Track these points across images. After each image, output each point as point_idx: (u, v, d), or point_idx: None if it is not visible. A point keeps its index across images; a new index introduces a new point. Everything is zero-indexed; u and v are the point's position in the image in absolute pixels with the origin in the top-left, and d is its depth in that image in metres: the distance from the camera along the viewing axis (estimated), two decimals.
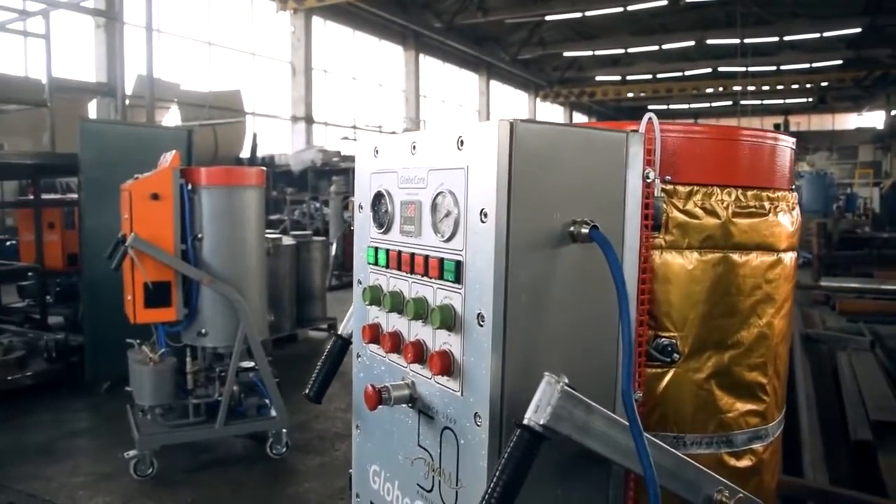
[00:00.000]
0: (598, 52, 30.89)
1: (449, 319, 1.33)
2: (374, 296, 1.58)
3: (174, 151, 4.61)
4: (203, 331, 4.77)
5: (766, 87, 29.70)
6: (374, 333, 1.60)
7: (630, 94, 34.16)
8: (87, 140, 6.28)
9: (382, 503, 1.64)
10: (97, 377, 6.35)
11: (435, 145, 1.41)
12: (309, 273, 8.84)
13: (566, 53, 31.79)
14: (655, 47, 28.87)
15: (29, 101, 8.11)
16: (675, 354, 1.54)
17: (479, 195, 1.27)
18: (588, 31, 28.41)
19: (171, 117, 13.64)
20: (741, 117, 30.51)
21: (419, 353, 1.43)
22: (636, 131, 1.43)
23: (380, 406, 1.46)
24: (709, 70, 30.59)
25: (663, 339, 1.55)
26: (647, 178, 1.42)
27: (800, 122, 35.96)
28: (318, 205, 15.40)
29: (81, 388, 6.40)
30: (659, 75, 32.48)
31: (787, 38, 26.10)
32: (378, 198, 1.60)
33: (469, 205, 1.30)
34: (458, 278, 1.32)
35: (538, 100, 37.22)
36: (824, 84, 29.98)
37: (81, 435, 5.53)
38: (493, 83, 33.35)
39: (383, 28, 24.09)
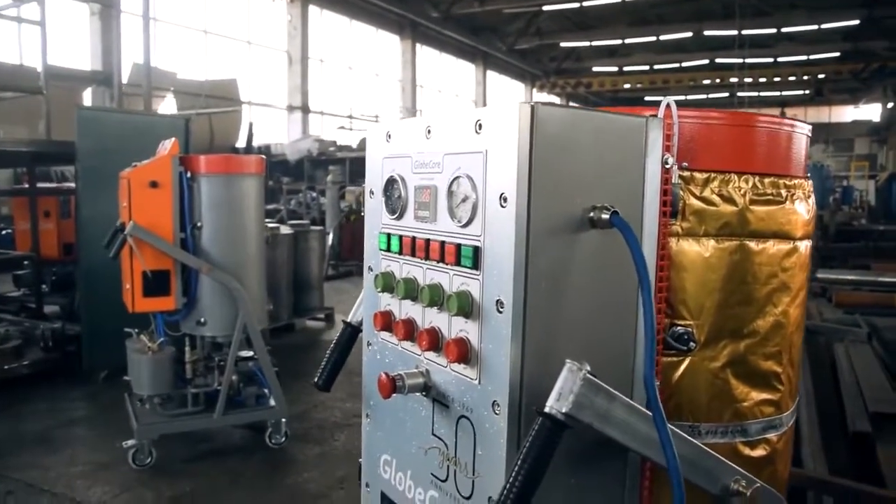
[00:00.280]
0: (595, 43, 30.79)
1: (466, 306, 1.31)
2: (387, 283, 1.56)
3: (173, 139, 4.57)
4: (202, 320, 4.74)
5: (763, 79, 29.67)
6: (386, 321, 1.58)
7: (627, 85, 34.10)
8: (85, 128, 6.23)
9: (394, 492, 1.62)
10: (94, 366, 6.32)
11: (451, 129, 1.39)
12: (306, 262, 8.83)
13: (563, 44, 31.70)
14: (653, 38, 28.79)
15: (24, 88, 8.05)
16: (692, 343, 1.52)
17: (499, 180, 1.24)
18: (585, 21, 28.32)
19: (166, 106, 13.55)
20: (738, 109, 30.47)
21: (434, 341, 1.40)
22: (655, 116, 1.40)
23: (393, 395, 1.43)
24: (706, 61, 30.55)
25: (679, 328, 1.53)
26: (666, 164, 1.40)
27: (796, 115, 35.88)
28: (314, 194, 15.35)
29: (78, 378, 6.37)
30: (656, 66, 32.40)
31: (784, 29, 26.05)
32: (390, 183, 1.57)
33: (488, 189, 1.27)
34: (475, 264, 1.30)
35: (535, 90, 37.14)
36: (821, 76, 29.97)
37: (79, 424, 5.51)
38: (490, 73, 33.26)
39: (380, 17, 23.97)
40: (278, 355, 5.14)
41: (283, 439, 4.99)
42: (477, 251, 1.30)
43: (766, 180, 1.58)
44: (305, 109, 20.40)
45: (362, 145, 18.50)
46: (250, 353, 5.06)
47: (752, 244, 1.57)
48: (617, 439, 1.25)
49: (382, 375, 1.44)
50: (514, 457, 1.24)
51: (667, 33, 27.88)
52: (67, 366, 6.54)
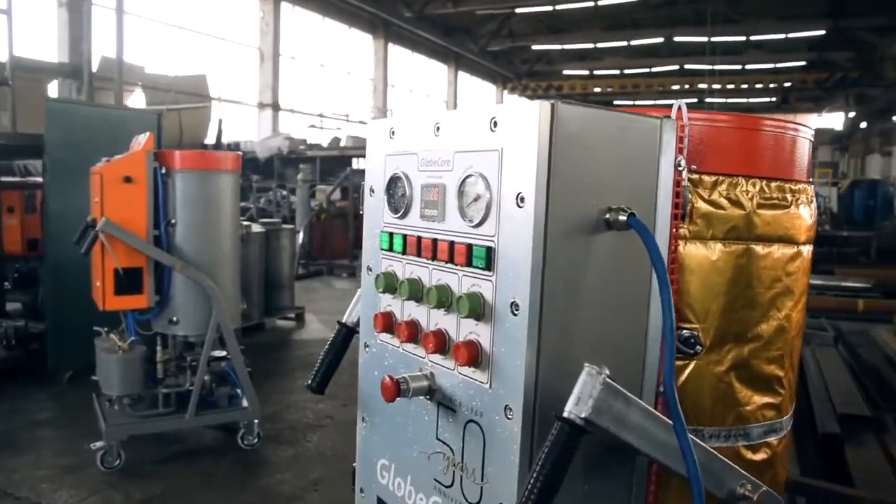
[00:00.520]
0: (566, 46, 30.98)
1: (478, 308, 1.28)
2: (389, 283, 1.52)
3: (148, 134, 4.47)
4: (174, 318, 4.64)
5: (731, 86, 30.08)
6: (387, 322, 1.54)
7: (597, 89, 34.31)
8: (53, 120, 6.07)
9: (391, 498, 1.58)
10: (60, 366, 6.15)
11: (462, 126, 1.35)
12: (277, 261, 8.73)
13: (535, 46, 31.82)
14: (624, 43, 29.04)
15: None
16: (698, 346, 1.51)
17: (516, 179, 1.21)
18: (557, 24, 28.47)
19: (134, 101, 13.28)
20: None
21: (441, 344, 1.37)
22: (669, 118, 1.38)
23: (398, 399, 1.39)
24: (676, 67, 30.88)
25: (685, 331, 1.52)
26: (679, 166, 1.38)
27: None
28: (284, 193, 15.19)
29: (43, 377, 6.20)
30: (626, 71, 32.68)
31: (753, 37, 26.47)
32: (394, 181, 1.53)
33: (503, 189, 1.24)
34: (488, 265, 1.26)
35: (506, 92, 37.25)
36: (787, 84, 30.49)
37: (44, 425, 5.35)
38: (462, 74, 33.26)
39: (353, 16, 23.80)
40: (249, 355, 5.06)
41: (256, 440, 4.90)
42: (490, 252, 1.26)
43: (773, 184, 1.58)
44: (276, 107, 20.17)
45: (333, 144, 18.40)
46: (223, 353, 4.98)
47: (759, 248, 1.56)
48: (633, 444, 1.22)
49: (386, 378, 1.40)
50: (527, 462, 1.21)
51: (638, 38, 28.14)
52: (31, 365, 6.36)
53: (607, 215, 1.26)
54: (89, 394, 4.94)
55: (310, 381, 1.79)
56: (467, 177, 1.32)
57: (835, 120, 34.27)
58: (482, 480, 1.30)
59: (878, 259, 14.21)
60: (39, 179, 6.84)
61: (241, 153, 5.22)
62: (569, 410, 1.13)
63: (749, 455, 1.61)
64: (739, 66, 29.62)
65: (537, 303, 1.19)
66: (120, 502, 4.12)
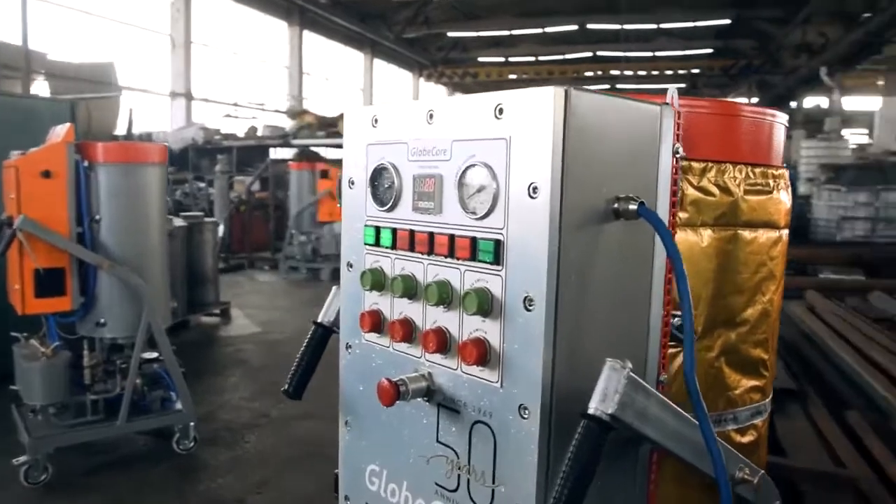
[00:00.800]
0: (482, 33, 31.11)
1: (486, 304, 1.22)
2: (376, 280, 1.44)
3: (68, 125, 4.19)
4: (102, 320, 4.40)
5: (642, 72, 30.95)
6: (375, 321, 1.46)
7: (513, 76, 34.66)
8: None
9: None
10: None
11: (461, 114, 1.29)
12: (200, 256, 8.43)
13: (450, 33, 31.82)
14: (538, 30, 29.39)
15: None
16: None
17: (527, 169, 1.16)
18: (472, 11, 28.52)
19: (37, 89, 12.52)
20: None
21: (443, 342, 1.30)
22: (667, 104, 1.36)
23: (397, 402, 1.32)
24: (589, 54, 31.48)
25: (677, 319, 1.50)
26: (677, 153, 1.36)
27: None
28: (201, 185, 14.68)
29: None
30: (541, 58, 33.10)
31: (663, 25, 27.25)
32: (379, 172, 1.45)
33: (511, 179, 1.18)
34: (497, 259, 1.21)
35: (422, 79, 37.14)
36: (696, 71, 31.60)
37: None
38: (378, 62, 32.92)
39: (267, 2, 23.11)
40: (176, 354, 4.84)
41: (192, 444, 4.71)
42: (499, 245, 1.20)
43: (757, 170, 1.59)
44: (189, 96, 19.40)
45: (250, 133, 17.88)
46: (154, 355, 4.75)
47: (746, 233, 1.57)
48: (651, 437, 1.20)
49: (384, 381, 1.32)
50: (545, 462, 1.17)
51: (552, 25, 28.53)
52: None
53: (616, 205, 1.22)
54: (7, 405, 4.63)
55: (286, 387, 1.69)
56: (469, 167, 1.25)
57: None
58: (493, 483, 1.25)
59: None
60: None
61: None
62: (595, 407, 1.09)
63: (738, 438, 1.63)
64: (650, 53, 30.47)
65: (553, 297, 1.14)
66: None
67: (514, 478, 1.21)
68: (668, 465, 1.47)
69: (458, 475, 1.32)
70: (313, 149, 15.68)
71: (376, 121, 1.47)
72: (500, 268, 1.21)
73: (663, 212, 1.36)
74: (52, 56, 13.31)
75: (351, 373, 1.58)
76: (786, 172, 1.70)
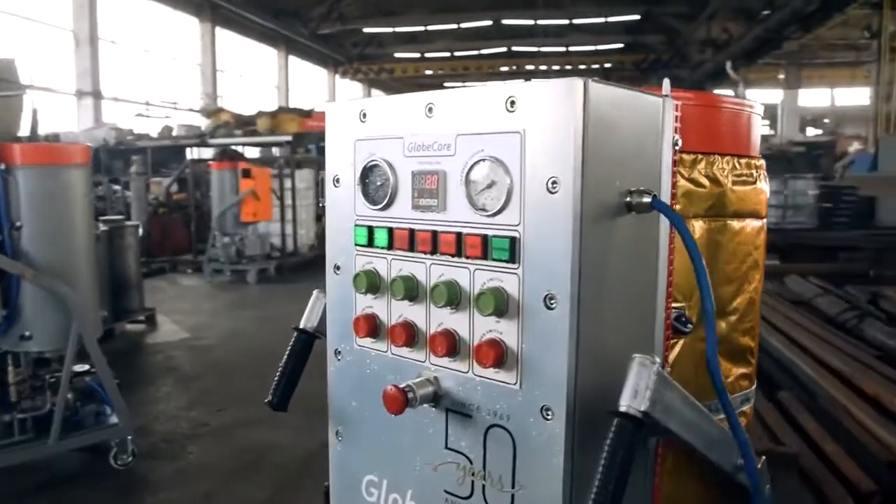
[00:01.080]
0: (397, 29, 31.02)
1: (502, 304, 1.18)
2: (371, 282, 1.38)
3: None
4: (27, 333, 4.15)
5: (556, 67, 31.52)
6: (371, 326, 1.39)
7: (429, 72, 34.74)
8: None
9: None
10: None
11: (465, 107, 1.24)
12: (123, 261, 8.08)
13: (366, 29, 31.60)
14: (454, 25, 29.52)
15: None
16: (689, 324, 1.50)
17: (545, 163, 1.12)
18: (387, 7, 28.39)
19: None
20: None
21: (452, 345, 1.26)
22: (667, 96, 1.35)
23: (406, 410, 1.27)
24: (504, 49, 31.85)
25: (674, 310, 1.50)
26: (676, 144, 1.35)
27: None
28: (116, 187, 14.06)
29: None
30: (457, 53, 33.28)
31: (575, 21, 27.83)
32: (370, 169, 1.39)
33: (527, 174, 1.15)
34: (513, 257, 1.17)
35: (337, 76, 36.75)
36: (608, 65, 32.42)
37: None
38: (293, 59, 32.37)
39: None
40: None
41: (130, 459, 4.50)
42: (514, 242, 1.16)
43: (742, 161, 1.60)
44: (97, 95, 18.51)
45: (165, 133, 17.27)
46: (84, 367, 4.51)
47: (734, 223, 1.58)
48: (674, 430, 1.19)
49: (392, 389, 1.26)
50: (570, 464, 1.14)
51: (467, 21, 28.69)
52: None
53: (628, 198, 1.20)
54: None
55: (270, 398, 1.60)
56: (478, 161, 1.21)
57: None
58: (513, 488, 1.21)
59: None
60: None
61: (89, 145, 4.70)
62: (627, 405, 1.07)
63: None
64: (563, 49, 31.09)
65: (577, 294, 1.11)
66: None
67: (536, 481, 1.18)
68: (668, 457, 1.47)
69: (472, 482, 1.28)
70: (234, 147, 15.25)
71: (364, 115, 1.41)
72: (516, 266, 1.17)
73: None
74: None
75: (341, 381, 1.51)
76: (763, 162, 1.73)
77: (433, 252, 1.29)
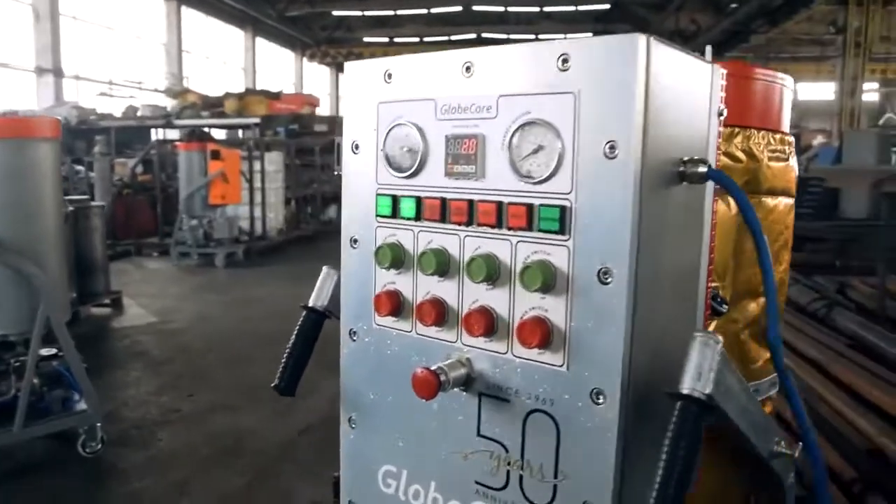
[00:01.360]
0: (366, 13, 30.66)
1: (549, 279, 1.09)
2: (396, 256, 1.28)
3: None
4: None
5: None
6: (394, 304, 1.29)
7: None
8: None
9: None
10: None
11: (509, 66, 1.15)
12: (88, 243, 7.81)
13: (334, 12, 31.17)
14: (424, 10, 29.27)
15: None
16: (725, 305, 1.43)
17: (604, 126, 1.03)
18: None
19: None
20: None
21: (490, 324, 1.16)
22: (713, 62, 1.27)
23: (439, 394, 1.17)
24: (473, 35, 31.65)
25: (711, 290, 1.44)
26: (721, 114, 1.27)
27: None
28: (80, 168, 13.65)
29: None
30: (426, 39, 33.01)
31: (545, 9, 27.77)
32: (396, 133, 1.28)
33: (581, 138, 1.06)
34: (563, 228, 1.08)
35: (305, 59, 36.24)
36: None
37: None
38: (259, 40, 31.79)
39: None
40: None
41: (99, 446, 4.33)
42: (565, 212, 1.07)
43: (777, 136, 1.54)
44: (58, 73, 17.93)
45: (129, 113, 16.83)
46: (53, 351, 4.33)
47: (769, 200, 1.52)
48: (729, 414, 1.11)
49: (422, 371, 1.17)
50: (622, 452, 1.06)
51: (437, 6, 28.46)
52: None
53: (682, 167, 1.12)
54: None
55: (277, 382, 1.49)
56: (524, 125, 1.11)
57: None
58: (556, 477, 1.13)
59: None
60: None
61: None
62: (691, 387, 0.99)
63: None
64: (534, 36, 31.00)
65: (634, 268, 1.03)
66: None
67: (583, 470, 1.10)
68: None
69: (508, 471, 1.19)
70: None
71: (390, 76, 1.30)
72: (566, 237, 1.08)
73: None
74: None
75: (357, 364, 1.41)
76: (793, 139, 1.67)
77: (468, 223, 1.20)
